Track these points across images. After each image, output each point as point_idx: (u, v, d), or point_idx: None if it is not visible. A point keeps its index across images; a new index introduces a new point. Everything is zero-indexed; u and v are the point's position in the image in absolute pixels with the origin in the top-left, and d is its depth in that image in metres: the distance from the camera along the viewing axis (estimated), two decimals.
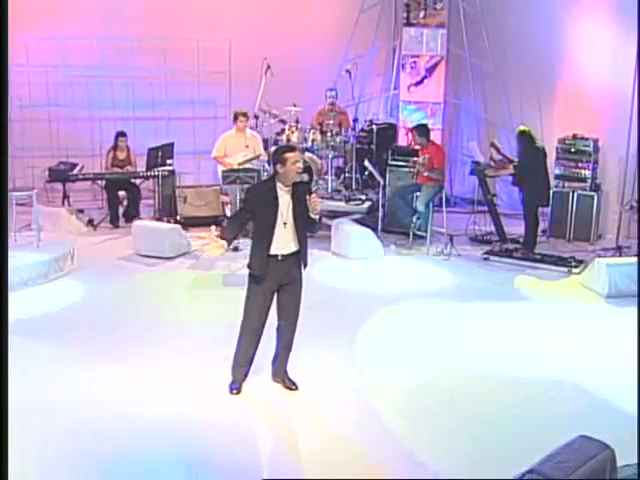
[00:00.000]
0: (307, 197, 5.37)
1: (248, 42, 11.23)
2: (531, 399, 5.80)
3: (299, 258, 5.54)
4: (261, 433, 5.26)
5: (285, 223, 5.39)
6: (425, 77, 12.06)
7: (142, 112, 11.74)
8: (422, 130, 9.75)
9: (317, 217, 5.47)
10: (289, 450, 5.11)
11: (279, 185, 5.41)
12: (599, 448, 4.16)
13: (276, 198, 5.38)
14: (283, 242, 5.43)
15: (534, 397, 5.83)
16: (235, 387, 5.72)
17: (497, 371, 6.24)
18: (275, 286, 5.54)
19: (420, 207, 9.55)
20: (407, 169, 9.96)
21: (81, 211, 10.70)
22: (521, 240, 9.66)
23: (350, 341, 6.71)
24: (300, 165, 5.44)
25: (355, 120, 10.79)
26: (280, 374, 5.86)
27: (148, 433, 5.15)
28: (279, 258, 5.44)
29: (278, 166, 5.42)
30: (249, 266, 5.58)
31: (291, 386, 5.79)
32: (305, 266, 5.60)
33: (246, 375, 5.77)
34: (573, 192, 10.12)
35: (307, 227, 5.54)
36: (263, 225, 5.40)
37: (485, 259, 9.32)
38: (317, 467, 4.82)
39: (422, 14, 11.86)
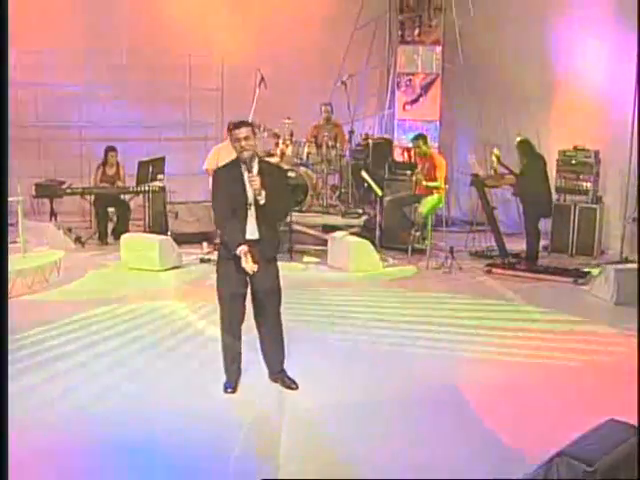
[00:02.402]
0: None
1: (240, 59, 11.09)
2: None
3: (269, 250, 5.25)
4: (257, 434, 4.92)
5: (250, 204, 5.14)
6: (420, 95, 11.95)
7: (132, 133, 11.51)
8: (420, 140, 9.55)
9: (261, 199, 5.06)
10: (286, 450, 4.73)
11: (241, 164, 5.17)
12: (629, 431, 3.91)
13: (241, 175, 5.13)
14: (250, 226, 5.16)
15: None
16: (230, 386, 5.40)
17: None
18: (246, 273, 5.14)
19: (419, 219, 9.30)
20: (405, 182, 9.75)
21: (69, 230, 10.37)
22: (522, 255, 9.41)
23: (347, 349, 6.43)
24: (244, 144, 5.07)
25: (351, 132, 10.56)
26: (277, 373, 5.52)
27: (142, 433, 4.84)
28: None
29: None
30: (219, 251, 5.32)
31: (291, 385, 5.45)
32: (270, 259, 5.27)
33: (239, 373, 5.45)
34: (575, 205, 9.90)
35: (273, 213, 5.21)
36: (235, 204, 5.12)
37: (488, 272, 9.03)
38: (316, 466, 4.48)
39: (417, 32, 11.81)
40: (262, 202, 5.08)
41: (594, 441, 3.74)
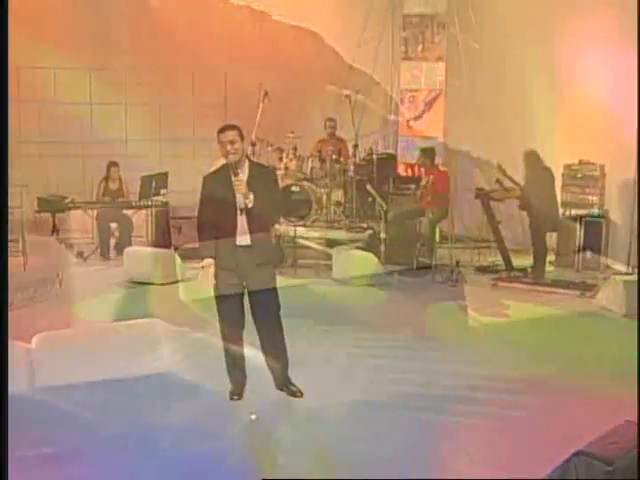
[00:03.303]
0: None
1: (244, 74, 11.07)
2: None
3: (261, 255, 5.17)
4: (260, 441, 4.93)
5: (241, 209, 5.08)
6: (424, 111, 11.90)
7: (135, 148, 11.47)
8: (428, 152, 9.54)
9: (249, 203, 5.01)
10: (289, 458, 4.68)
11: (229, 168, 5.11)
12: None
13: (229, 180, 5.07)
14: (241, 231, 5.10)
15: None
16: (235, 394, 5.34)
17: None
18: (240, 279, 5.17)
19: (424, 232, 9.24)
20: (410, 196, 9.70)
21: (71, 245, 10.30)
22: (528, 270, 9.33)
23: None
24: (229, 148, 5.02)
25: (355, 147, 10.51)
26: (281, 380, 5.43)
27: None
28: (238, 248, 5.12)
29: None
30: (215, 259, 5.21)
31: (296, 393, 5.36)
32: (263, 264, 5.20)
33: (244, 380, 5.39)
34: (580, 219, 9.83)
35: (263, 216, 5.15)
36: (224, 210, 5.07)
37: (494, 285, 8.94)
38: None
39: (420, 48, 11.77)
40: (250, 205, 5.03)
41: (612, 441, 3.67)
